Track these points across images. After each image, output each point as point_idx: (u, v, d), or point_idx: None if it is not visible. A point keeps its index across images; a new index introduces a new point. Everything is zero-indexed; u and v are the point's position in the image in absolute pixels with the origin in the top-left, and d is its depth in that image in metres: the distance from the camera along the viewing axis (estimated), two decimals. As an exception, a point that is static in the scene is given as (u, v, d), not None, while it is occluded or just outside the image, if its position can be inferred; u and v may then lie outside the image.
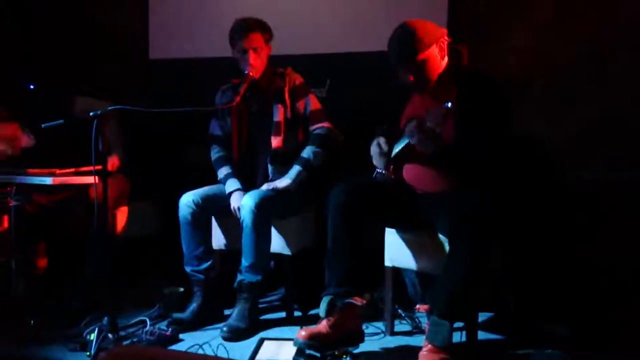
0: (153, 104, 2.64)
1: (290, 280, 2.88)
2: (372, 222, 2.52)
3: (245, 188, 2.85)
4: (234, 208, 2.79)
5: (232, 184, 2.86)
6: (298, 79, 2.91)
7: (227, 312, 2.81)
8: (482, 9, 3.25)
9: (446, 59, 2.44)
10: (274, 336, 2.64)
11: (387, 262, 2.65)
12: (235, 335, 2.62)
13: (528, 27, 3.19)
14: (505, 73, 3.11)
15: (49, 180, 2.70)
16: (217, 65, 3.36)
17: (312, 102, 2.91)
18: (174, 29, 3.74)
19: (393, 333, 2.68)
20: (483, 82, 2.41)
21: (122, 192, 3.18)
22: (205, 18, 3.66)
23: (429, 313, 2.28)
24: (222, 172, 2.93)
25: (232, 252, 2.88)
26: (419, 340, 2.44)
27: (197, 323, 2.74)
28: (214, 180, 2.97)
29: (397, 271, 2.69)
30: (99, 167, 2.43)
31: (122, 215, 3.19)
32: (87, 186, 2.88)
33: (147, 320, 2.64)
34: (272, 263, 2.96)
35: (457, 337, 2.40)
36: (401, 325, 2.75)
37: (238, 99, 2.80)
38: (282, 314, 2.91)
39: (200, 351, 2.43)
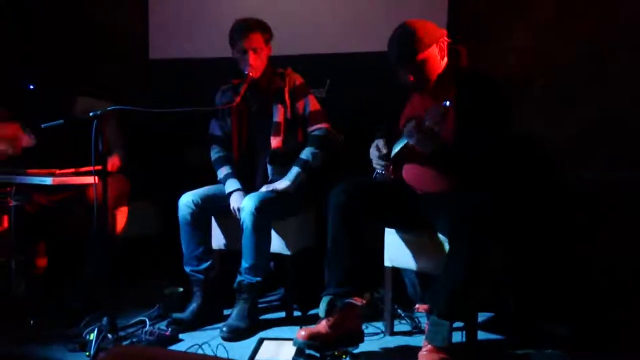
0: (153, 104, 2.64)
1: (290, 280, 2.88)
2: (372, 222, 2.52)
3: (245, 188, 2.85)
4: (233, 208, 2.79)
5: (231, 184, 2.86)
6: (298, 80, 2.91)
7: (226, 312, 2.81)
8: (482, 9, 3.25)
9: (446, 59, 2.44)
10: (274, 336, 2.64)
11: (387, 262, 2.65)
12: (234, 335, 2.62)
13: (528, 27, 3.19)
14: (505, 73, 3.10)
15: (48, 181, 2.70)
16: (217, 65, 3.36)
17: (311, 103, 2.91)
18: (174, 29, 3.74)
19: (393, 333, 2.68)
20: (483, 82, 2.41)
21: (122, 192, 3.18)
22: (205, 18, 3.66)
23: (429, 313, 2.28)
24: (222, 172, 2.93)
25: (231, 252, 2.88)
26: (418, 340, 2.44)
27: (197, 323, 2.74)
28: (213, 180, 2.97)
29: (396, 271, 2.69)
30: (99, 167, 2.43)
31: (122, 216, 3.19)
32: (87, 186, 2.88)
33: (147, 320, 2.65)
34: (272, 263, 2.96)
35: (457, 337, 2.40)
36: (401, 325, 2.75)
37: (238, 99, 2.80)
38: (282, 314, 2.91)
39: (200, 351, 2.43)
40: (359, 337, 2.41)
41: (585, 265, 2.98)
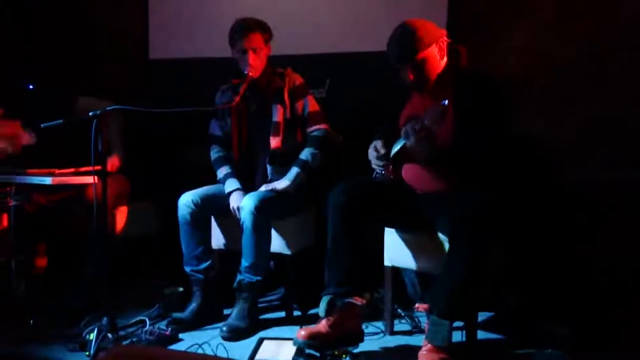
0: (153, 104, 2.64)
1: (290, 280, 2.88)
2: (372, 222, 2.53)
3: (245, 188, 2.85)
4: (233, 208, 2.79)
5: (231, 184, 2.86)
6: (298, 80, 2.91)
7: (226, 311, 2.81)
8: (482, 9, 3.25)
9: (445, 59, 2.44)
10: (274, 336, 2.64)
11: (387, 262, 2.65)
12: (234, 334, 2.62)
13: (528, 27, 3.19)
14: (505, 73, 3.11)
15: (48, 180, 2.70)
16: (217, 65, 3.36)
17: (311, 104, 2.91)
18: (174, 29, 3.74)
19: (393, 333, 2.68)
20: (483, 82, 2.41)
21: (121, 191, 3.18)
22: (205, 18, 3.67)
23: (429, 312, 2.28)
24: (222, 172, 2.93)
25: (231, 251, 2.88)
26: (418, 339, 2.44)
27: (197, 323, 2.74)
28: (213, 180, 2.97)
29: (396, 271, 2.69)
30: (99, 167, 2.43)
31: (121, 215, 3.19)
32: (86, 186, 2.88)
33: (147, 320, 2.65)
34: (272, 263, 2.96)
35: (457, 336, 2.40)
36: (401, 325, 2.75)
37: (238, 98, 2.80)
38: (282, 314, 2.91)
39: (200, 351, 2.43)
40: (359, 337, 2.41)
41: (585, 265, 2.98)
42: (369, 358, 2.41)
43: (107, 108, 2.45)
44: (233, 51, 2.86)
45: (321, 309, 2.37)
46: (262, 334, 2.67)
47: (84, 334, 2.47)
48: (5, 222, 2.91)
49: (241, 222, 2.67)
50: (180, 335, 2.63)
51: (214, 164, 2.98)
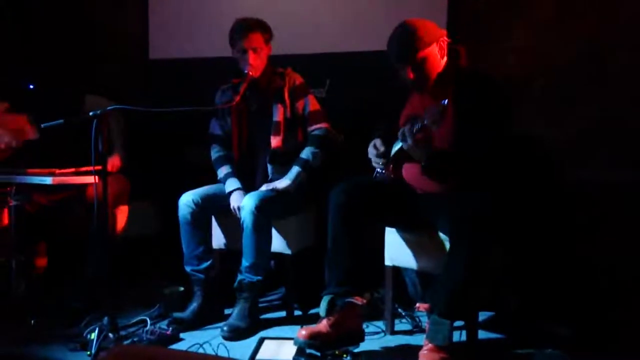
0: (153, 104, 2.63)
1: (290, 280, 2.88)
2: (372, 222, 2.52)
3: (245, 187, 2.85)
4: (233, 207, 2.79)
5: (232, 184, 2.86)
6: (298, 79, 2.91)
7: (227, 311, 2.82)
8: (482, 9, 3.26)
9: (445, 58, 2.44)
10: (274, 335, 2.64)
11: (388, 262, 2.65)
12: (235, 334, 2.62)
13: (528, 27, 3.19)
14: (505, 73, 3.11)
15: (48, 180, 2.69)
16: (217, 65, 3.36)
17: (311, 103, 2.91)
18: (174, 29, 3.74)
19: (393, 332, 2.68)
20: (483, 82, 2.41)
21: (121, 191, 3.17)
22: (205, 18, 3.67)
23: (429, 312, 2.28)
24: (222, 171, 2.93)
25: (232, 251, 2.88)
26: (419, 339, 2.44)
27: (198, 322, 2.75)
28: (213, 179, 2.97)
29: (397, 270, 2.69)
30: (99, 167, 2.43)
31: (122, 215, 3.19)
32: (87, 186, 2.88)
33: (148, 319, 2.65)
34: (272, 262, 2.96)
35: (458, 336, 2.41)
36: (401, 325, 2.75)
37: (238, 98, 2.81)
38: (283, 314, 2.91)
39: (201, 350, 2.43)
40: (360, 337, 2.41)
41: (585, 265, 2.98)
42: (370, 358, 2.41)
43: (108, 108, 2.45)
44: (233, 51, 2.86)
45: (322, 309, 2.37)
46: (262, 333, 2.67)
47: (84, 334, 2.47)
48: (5, 220, 2.90)
49: (242, 222, 2.68)
50: (181, 335, 2.63)
51: (215, 163, 2.98)
